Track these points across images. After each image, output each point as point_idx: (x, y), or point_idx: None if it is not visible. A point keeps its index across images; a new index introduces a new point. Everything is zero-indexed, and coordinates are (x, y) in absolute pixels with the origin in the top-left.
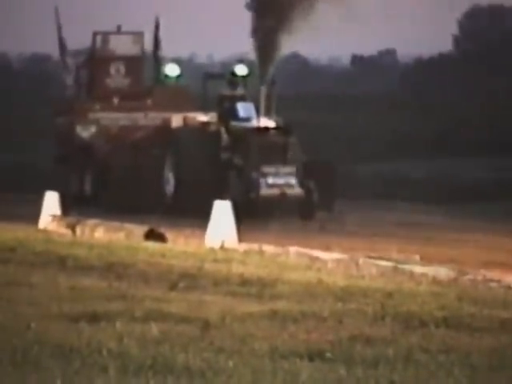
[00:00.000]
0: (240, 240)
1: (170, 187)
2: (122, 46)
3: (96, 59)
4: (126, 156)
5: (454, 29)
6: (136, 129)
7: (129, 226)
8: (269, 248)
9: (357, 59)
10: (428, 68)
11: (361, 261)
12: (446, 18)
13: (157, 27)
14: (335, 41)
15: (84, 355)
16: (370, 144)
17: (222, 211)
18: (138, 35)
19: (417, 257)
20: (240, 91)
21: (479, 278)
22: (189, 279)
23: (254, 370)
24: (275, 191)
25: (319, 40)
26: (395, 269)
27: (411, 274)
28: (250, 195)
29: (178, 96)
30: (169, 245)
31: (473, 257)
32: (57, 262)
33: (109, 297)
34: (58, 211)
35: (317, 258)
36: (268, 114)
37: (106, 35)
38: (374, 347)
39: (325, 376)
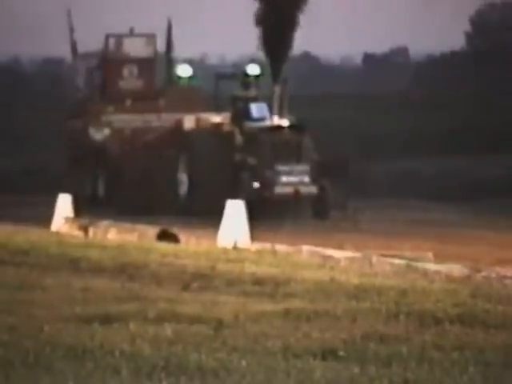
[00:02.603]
0: (252, 239)
1: (183, 188)
2: (134, 48)
3: (109, 61)
4: (139, 158)
5: (466, 26)
6: (149, 130)
7: (141, 227)
8: (281, 247)
9: (369, 58)
10: (440, 65)
11: (374, 259)
12: (458, 15)
13: (169, 29)
14: (347, 39)
15: (97, 357)
16: (383, 142)
17: (235, 211)
18: (151, 37)
19: (430, 254)
20: (253, 92)
21: (493, 275)
22: (202, 279)
23: (267, 369)
24: (289, 190)
25: (331, 39)
26: (408, 267)
27: (424, 272)
28: (264, 194)
29: (191, 97)
30: (181, 245)
31: (487, 254)
32: (69, 264)
33: (121, 298)
34: (70, 213)
35: (330, 257)
36: (281, 113)
37: (118, 37)
38: (387, 345)
39: (338, 375)
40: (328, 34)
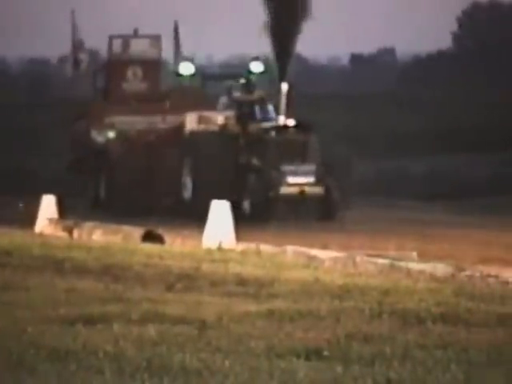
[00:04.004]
0: (237, 240)
1: (187, 191)
2: (139, 49)
3: (113, 63)
4: (141, 159)
5: (453, 26)
6: (152, 132)
7: (126, 228)
8: (266, 247)
9: (356, 58)
10: (427, 66)
11: (358, 259)
12: (445, 15)
13: (176, 30)
14: (334, 40)
15: (80, 358)
16: (370, 142)
17: (220, 211)
18: (155, 38)
19: (414, 254)
20: (258, 93)
21: (477, 273)
22: (186, 280)
23: (250, 369)
24: (295, 190)
25: (318, 39)
26: (392, 266)
27: (408, 271)
28: (270, 194)
29: (195, 98)
30: (166, 246)
31: (471, 253)
32: (53, 265)
33: (105, 299)
34: (54, 214)
35: (314, 257)
36: (288, 112)
37: (122, 39)
38: (371, 345)
39: (322, 374)
40: (315, 34)
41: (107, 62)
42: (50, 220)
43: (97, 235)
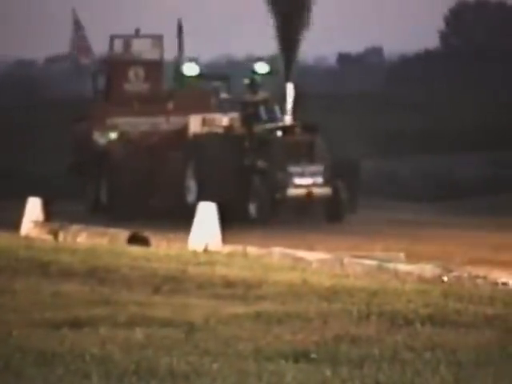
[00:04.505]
0: (224, 242)
1: (191, 195)
2: (140, 49)
3: (114, 64)
4: (145, 162)
5: (440, 26)
6: (156, 134)
7: (112, 230)
8: (252, 249)
9: (343, 58)
10: (415, 65)
11: (345, 260)
12: (432, 14)
13: (180, 29)
14: (321, 40)
15: (67, 361)
16: (357, 142)
17: (206, 213)
18: (157, 38)
19: (402, 255)
20: (262, 94)
21: (465, 274)
22: (172, 282)
23: (238, 372)
24: (302, 191)
25: (305, 39)
26: (380, 267)
27: (396, 273)
28: (276, 196)
29: (200, 99)
30: (152, 249)
31: (459, 254)
32: (39, 268)
33: (92, 302)
34: (39, 217)
35: (301, 259)
36: (294, 112)
37: (124, 39)
38: (359, 347)
39: (310, 377)
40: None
41: (108, 63)
42: (35, 223)
43: (82, 238)
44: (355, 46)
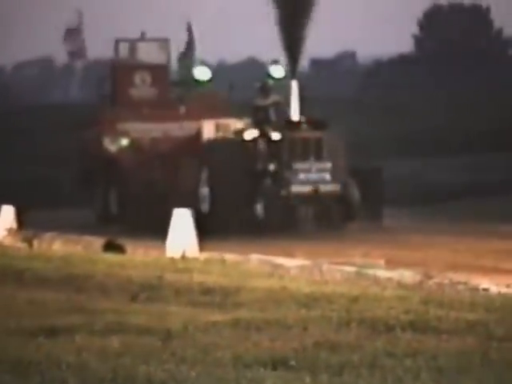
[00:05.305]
0: (201, 249)
1: (205, 204)
2: (146, 53)
3: (119, 69)
4: (157, 170)
5: (414, 29)
6: (168, 141)
7: (87, 238)
8: (230, 256)
9: (316, 63)
10: (389, 69)
11: (324, 267)
12: (406, 17)
13: (190, 31)
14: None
15: (43, 370)
16: None
17: (182, 220)
18: (164, 42)
19: (381, 261)
20: (274, 98)
21: (445, 281)
22: (150, 290)
23: (216, 379)
24: (307, 188)
25: (276, 44)
26: (359, 274)
27: (376, 279)
28: (281, 193)
29: (212, 103)
30: (128, 256)
31: (439, 259)
32: (14, 276)
33: (67, 310)
34: (13, 225)
35: (279, 265)
36: (300, 109)
37: (129, 43)
38: (339, 354)
39: None
40: (273, 38)
41: (113, 67)
42: (9, 230)
43: (57, 245)
44: (328, 50)
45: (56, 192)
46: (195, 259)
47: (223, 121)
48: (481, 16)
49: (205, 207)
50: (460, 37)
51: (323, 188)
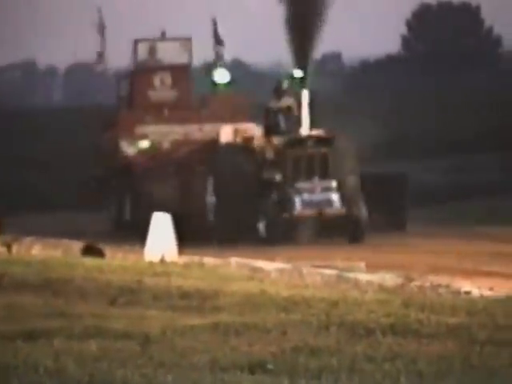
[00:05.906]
0: (180, 253)
1: (211, 213)
2: (167, 53)
3: (139, 69)
4: (169, 176)
5: (402, 29)
6: (185, 147)
7: (66, 242)
8: (209, 260)
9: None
10: (375, 70)
11: (304, 270)
12: (393, 18)
13: (215, 28)
14: (278, 46)
15: (21, 374)
16: None
17: (161, 224)
18: (185, 41)
19: (362, 264)
20: (286, 101)
21: (426, 283)
22: (128, 294)
23: (193, 383)
24: (311, 211)
25: (261, 45)
26: (340, 277)
27: (356, 282)
28: (284, 216)
29: (235, 105)
30: (107, 260)
31: (421, 262)
32: None
33: (46, 314)
34: None
35: (259, 269)
36: (312, 122)
37: (149, 43)
38: (318, 358)
39: None
40: (258, 40)
41: (132, 69)
42: None
43: (36, 250)
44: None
45: (40, 196)
46: (174, 263)
47: (242, 125)
48: (471, 15)
49: (210, 216)
50: (449, 36)
51: (328, 211)
